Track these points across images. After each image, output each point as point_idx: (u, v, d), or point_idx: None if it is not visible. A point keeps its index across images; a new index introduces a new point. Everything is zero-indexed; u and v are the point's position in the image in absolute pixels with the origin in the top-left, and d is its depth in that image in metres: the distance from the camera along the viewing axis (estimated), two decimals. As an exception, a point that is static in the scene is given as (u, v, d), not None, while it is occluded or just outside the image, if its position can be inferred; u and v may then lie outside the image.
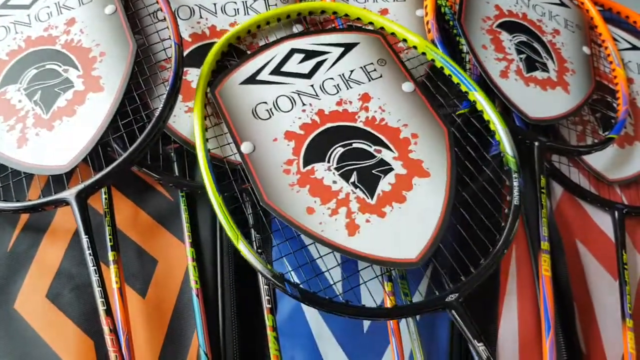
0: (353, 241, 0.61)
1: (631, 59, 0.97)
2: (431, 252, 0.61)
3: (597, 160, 0.85)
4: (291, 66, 0.73)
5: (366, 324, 0.69)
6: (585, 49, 0.92)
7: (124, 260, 0.68)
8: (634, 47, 0.99)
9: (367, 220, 0.62)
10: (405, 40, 0.78)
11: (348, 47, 0.74)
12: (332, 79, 0.72)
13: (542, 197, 0.75)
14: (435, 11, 0.83)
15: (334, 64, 0.74)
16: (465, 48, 0.84)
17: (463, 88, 0.73)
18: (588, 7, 0.97)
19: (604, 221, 0.82)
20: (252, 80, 0.72)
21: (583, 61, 0.90)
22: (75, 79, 0.72)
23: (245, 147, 0.66)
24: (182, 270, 0.70)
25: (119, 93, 0.70)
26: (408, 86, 0.71)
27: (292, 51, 0.74)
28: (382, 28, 0.78)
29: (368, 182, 0.65)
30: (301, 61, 0.73)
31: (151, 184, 0.75)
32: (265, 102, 0.70)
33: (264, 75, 0.72)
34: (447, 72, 0.74)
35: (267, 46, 0.75)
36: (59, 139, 0.69)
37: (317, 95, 0.70)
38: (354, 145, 0.67)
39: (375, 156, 0.66)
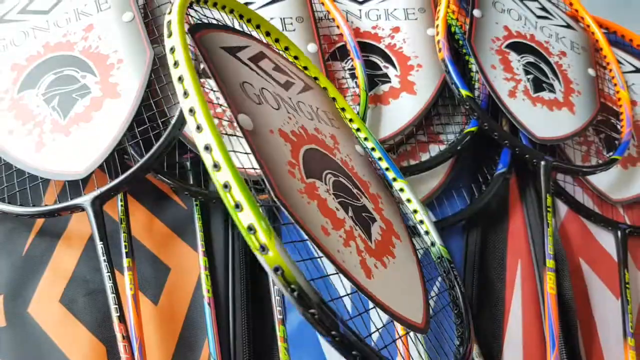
0: (372, 285, 0.49)
1: (635, 81, 0.99)
2: (428, 320, 0.54)
3: (601, 180, 0.87)
4: (266, 67, 0.61)
5: (374, 336, 0.70)
6: (591, 71, 0.94)
7: (136, 267, 0.68)
8: (638, 70, 1.01)
9: (376, 266, 0.52)
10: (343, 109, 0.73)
11: (307, 87, 0.66)
12: (303, 103, 0.63)
13: (548, 216, 0.76)
14: (446, 31, 0.85)
15: (301, 91, 0.65)
16: (474, 67, 0.86)
17: (390, 174, 0.70)
18: (593, 30, 0.99)
19: (607, 240, 0.83)
20: (231, 52, 0.57)
21: (588, 83, 0.92)
22: (92, 85, 0.73)
23: (244, 121, 0.49)
24: (195, 278, 0.71)
25: (135, 100, 0.71)
26: (359, 149, 0.67)
27: (262, 54, 0.62)
28: (324, 88, 0.72)
29: (363, 223, 0.55)
30: (274, 69, 0.63)
31: (166, 193, 0.75)
32: (252, 85, 0.55)
33: (243, 56, 0.59)
34: (377, 154, 0.71)
35: (241, 32, 0.62)
36: (76, 145, 0.70)
37: (296, 110, 0.60)
38: (341, 179, 0.57)
39: (360, 199, 0.58)
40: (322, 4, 0.90)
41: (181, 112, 0.69)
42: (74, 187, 0.70)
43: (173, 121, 0.69)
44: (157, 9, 0.81)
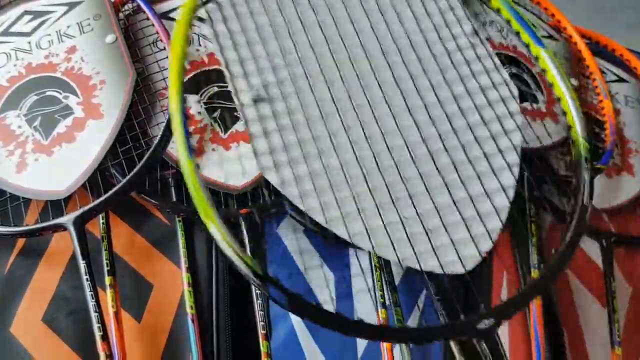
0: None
1: (618, 90, 1.00)
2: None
3: (586, 189, 0.87)
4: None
5: (360, 350, 0.70)
6: (574, 81, 0.94)
7: (119, 284, 0.68)
8: (621, 79, 1.01)
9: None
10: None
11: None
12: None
13: (533, 226, 0.76)
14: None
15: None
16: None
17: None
18: (576, 40, 1.00)
19: (593, 249, 0.83)
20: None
21: (571, 93, 0.93)
22: (75, 105, 0.73)
23: None
24: (178, 295, 0.70)
25: (118, 120, 0.72)
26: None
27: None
28: None
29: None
30: None
31: (148, 209, 0.76)
32: None
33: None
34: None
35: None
36: (58, 165, 0.70)
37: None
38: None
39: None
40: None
41: (164, 132, 0.70)
42: (56, 206, 0.70)
43: (156, 141, 0.70)
44: (140, 31, 0.81)
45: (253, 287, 0.68)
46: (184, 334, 0.68)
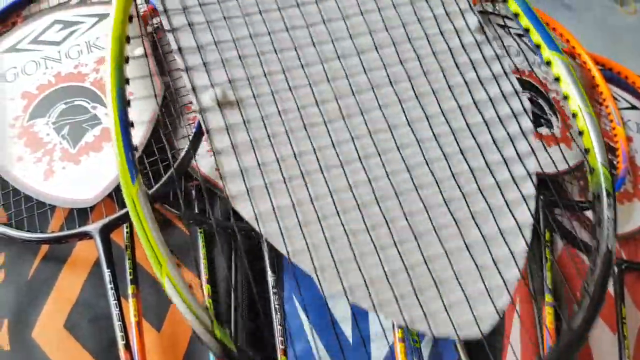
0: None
1: (630, 117, 1.01)
2: None
3: (598, 215, 0.88)
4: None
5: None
6: (587, 107, 0.96)
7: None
8: (633, 107, 1.03)
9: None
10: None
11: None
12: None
13: (546, 251, 0.77)
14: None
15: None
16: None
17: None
18: (590, 67, 1.02)
19: (604, 275, 0.84)
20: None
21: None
22: (103, 116, 0.75)
23: None
24: (198, 306, 0.71)
25: (145, 132, 0.73)
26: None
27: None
28: None
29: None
30: None
31: (170, 219, 0.77)
32: None
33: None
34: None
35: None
36: (85, 174, 0.71)
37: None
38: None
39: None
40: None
41: (191, 144, 0.71)
42: (81, 214, 0.71)
43: (182, 154, 0.71)
44: (167, 45, 0.82)
45: (272, 300, 0.69)
46: (203, 346, 0.69)
